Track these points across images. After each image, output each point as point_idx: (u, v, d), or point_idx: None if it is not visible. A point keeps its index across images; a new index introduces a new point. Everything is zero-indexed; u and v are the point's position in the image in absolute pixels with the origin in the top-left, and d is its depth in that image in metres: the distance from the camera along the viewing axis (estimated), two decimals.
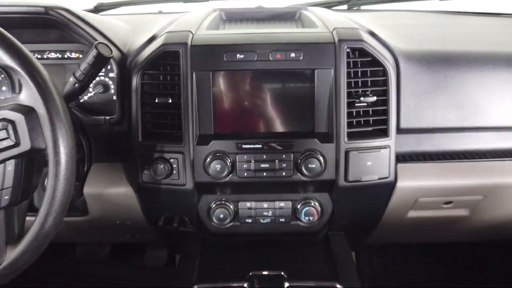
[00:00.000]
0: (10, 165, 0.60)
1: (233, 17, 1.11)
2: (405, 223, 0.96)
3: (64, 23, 0.80)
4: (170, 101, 0.78)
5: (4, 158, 0.59)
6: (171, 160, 0.79)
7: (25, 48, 0.59)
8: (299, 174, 0.79)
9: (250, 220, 0.85)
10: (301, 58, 0.77)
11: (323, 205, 0.84)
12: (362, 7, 1.28)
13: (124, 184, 0.86)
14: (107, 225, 0.96)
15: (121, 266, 1.47)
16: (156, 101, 0.79)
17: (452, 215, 0.94)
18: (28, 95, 0.59)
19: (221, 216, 0.83)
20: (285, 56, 0.77)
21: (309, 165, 0.77)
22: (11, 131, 0.58)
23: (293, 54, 0.77)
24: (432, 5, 1.23)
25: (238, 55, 0.77)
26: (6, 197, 0.61)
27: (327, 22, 0.88)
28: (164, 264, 1.43)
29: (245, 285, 0.77)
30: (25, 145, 0.59)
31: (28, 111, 0.58)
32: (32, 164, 0.64)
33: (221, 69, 0.78)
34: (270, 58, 0.77)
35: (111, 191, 0.87)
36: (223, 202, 0.84)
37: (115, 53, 0.82)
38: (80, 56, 0.94)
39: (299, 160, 0.78)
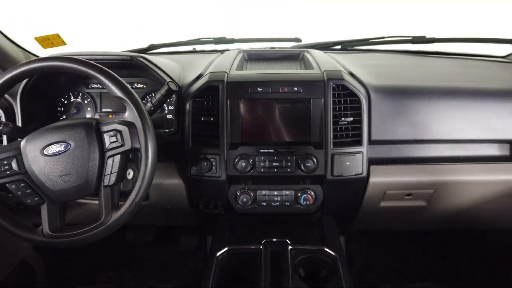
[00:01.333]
0: (117, 158, 0.95)
1: (253, 57, 1.49)
2: (379, 211, 1.29)
3: (142, 66, 1.17)
4: (212, 119, 1.15)
5: (115, 153, 0.94)
6: (211, 160, 1.14)
7: (127, 84, 0.96)
8: (299, 171, 1.13)
9: (264, 204, 1.19)
10: (301, 91, 1.12)
11: (316, 193, 1.18)
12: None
13: (176, 177, 1.22)
14: (160, 209, 1.31)
15: (161, 250, 1.83)
16: (202, 119, 1.15)
17: (413, 205, 1.27)
18: (130, 115, 0.95)
19: (244, 200, 1.18)
20: (290, 89, 1.13)
21: (306, 164, 1.11)
22: (119, 137, 0.94)
23: (296, 88, 1.13)
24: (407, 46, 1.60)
25: (258, 89, 1.13)
26: (113, 179, 0.96)
27: (321, 64, 1.24)
28: (194, 249, 1.78)
29: (261, 247, 1.11)
30: (128, 145, 0.94)
31: (129, 124, 0.94)
32: (127, 159, 0.99)
33: (247, 98, 1.13)
34: (280, 91, 1.13)
35: (166, 182, 1.22)
36: (246, 190, 1.19)
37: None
38: (144, 86, 1.32)
39: (299, 161, 1.12)
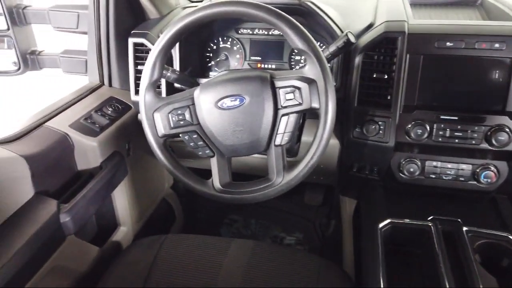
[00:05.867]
0: (292, 117, 0.87)
1: (417, 1, 1.27)
2: None
3: (310, 12, 1.05)
4: (386, 76, 1.01)
5: (290, 111, 0.86)
6: (380, 123, 1.03)
7: (310, 35, 0.85)
8: (487, 144, 0.97)
9: (433, 176, 1.06)
10: (504, 48, 0.92)
11: (500, 171, 1.01)
12: None
13: (332, 137, 1.13)
14: None
15: (285, 201, 1.83)
16: (374, 76, 1.02)
17: None
18: (311, 71, 0.84)
19: (411, 170, 1.05)
20: (489, 46, 0.93)
21: (499, 137, 0.94)
22: (297, 94, 0.85)
23: (497, 45, 0.92)
24: None
25: (447, 43, 0.95)
26: (286, 138, 0.89)
27: None
28: (320, 204, 1.75)
29: (430, 224, 1.00)
30: (306, 104, 0.85)
31: (310, 81, 0.85)
32: (299, 119, 0.92)
33: (431, 53, 0.97)
34: (476, 47, 0.94)
35: None
36: (412, 159, 1.06)
37: None
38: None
39: (489, 132, 0.96)
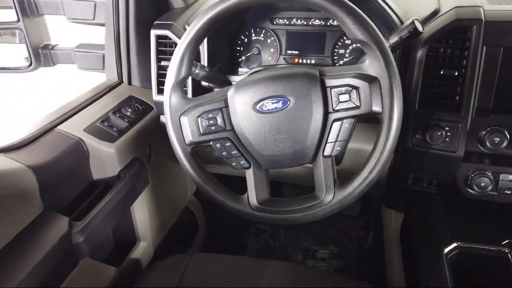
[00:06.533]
0: (347, 123, 0.72)
1: None
2: None
3: None
4: (456, 73, 0.84)
5: (345, 116, 0.71)
6: (446, 128, 0.86)
7: (374, 25, 0.70)
8: None
9: (509, 192, 0.88)
10: None
11: None
12: None
13: None
14: (346, 175, 1.10)
15: None
16: (442, 72, 0.85)
17: None
18: (373, 66, 0.69)
19: (482, 184, 0.88)
20: None
21: None
22: (354, 96, 0.70)
23: None
24: None
25: None
26: (338, 148, 0.74)
27: None
28: (356, 214, 1.59)
29: (505, 249, 0.84)
30: (365, 108, 0.70)
31: (371, 80, 0.69)
32: (355, 126, 0.76)
33: None
34: None
35: (367, 147, 0.98)
36: (483, 171, 0.90)
37: None
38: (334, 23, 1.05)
39: None
